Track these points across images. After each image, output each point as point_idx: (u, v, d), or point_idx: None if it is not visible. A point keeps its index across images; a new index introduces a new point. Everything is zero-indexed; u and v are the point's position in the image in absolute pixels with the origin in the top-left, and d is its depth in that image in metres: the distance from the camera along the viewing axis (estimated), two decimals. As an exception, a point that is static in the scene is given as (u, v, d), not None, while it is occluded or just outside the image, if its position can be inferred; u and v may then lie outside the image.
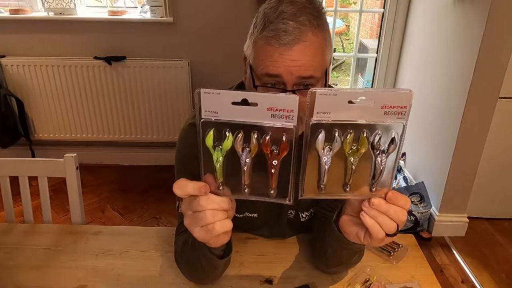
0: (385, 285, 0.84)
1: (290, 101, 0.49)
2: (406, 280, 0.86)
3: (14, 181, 1.12)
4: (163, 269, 0.90)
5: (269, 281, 0.86)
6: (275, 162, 0.53)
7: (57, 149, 2.75)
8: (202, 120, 0.52)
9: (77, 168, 1.12)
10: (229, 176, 0.56)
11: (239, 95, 0.50)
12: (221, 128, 0.52)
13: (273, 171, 0.54)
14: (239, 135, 0.52)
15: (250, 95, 0.49)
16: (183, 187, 0.57)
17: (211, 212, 0.57)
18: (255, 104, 0.49)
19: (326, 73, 0.74)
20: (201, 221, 0.57)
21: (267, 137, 0.52)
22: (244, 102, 0.50)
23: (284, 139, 0.51)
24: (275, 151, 0.53)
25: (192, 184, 0.57)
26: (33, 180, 1.14)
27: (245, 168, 0.54)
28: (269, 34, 0.69)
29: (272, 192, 0.56)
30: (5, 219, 1.17)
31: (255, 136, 0.52)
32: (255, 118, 0.50)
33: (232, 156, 0.54)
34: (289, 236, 0.98)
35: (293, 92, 0.70)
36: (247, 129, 0.52)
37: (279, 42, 0.68)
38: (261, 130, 0.52)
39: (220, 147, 0.53)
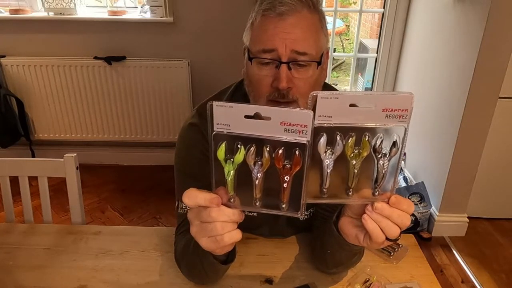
0: (385, 285, 0.84)
1: (304, 116, 0.48)
2: (406, 280, 0.86)
3: (14, 181, 1.12)
4: (163, 269, 0.90)
5: (269, 281, 0.86)
6: (287, 178, 0.53)
7: (57, 149, 2.75)
8: (214, 132, 0.51)
9: (77, 168, 1.12)
10: (240, 188, 0.55)
11: (252, 109, 0.49)
12: (233, 141, 0.52)
13: (285, 185, 0.53)
14: (251, 149, 0.51)
15: (263, 109, 0.49)
16: (193, 197, 0.56)
17: (221, 224, 0.56)
18: (268, 118, 0.49)
19: (321, 59, 0.75)
20: (209, 232, 0.57)
21: (280, 151, 0.51)
22: (257, 115, 0.50)
23: (297, 153, 0.51)
24: (287, 165, 0.52)
25: (203, 195, 0.55)
26: (33, 180, 1.13)
27: (257, 182, 0.53)
28: (266, 7, 0.71)
29: (284, 206, 0.55)
30: (5, 219, 1.17)
31: (268, 149, 0.51)
32: (268, 132, 0.50)
33: (244, 168, 0.53)
34: (288, 235, 0.99)
35: (288, 65, 0.71)
36: (260, 142, 0.51)
37: (275, 12, 0.70)
38: (274, 143, 0.51)
39: (232, 160, 0.52)
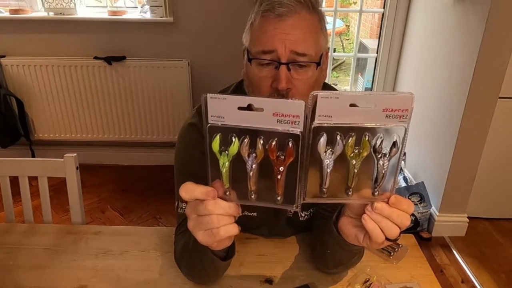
0: (385, 285, 0.84)
1: (296, 106, 0.49)
2: (406, 280, 0.86)
3: (14, 181, 1.12)
4: (163, 269, 0.90)
5: (269, 281, 0.86)
6: (281, 169, 0.53)
7: (57, 149, 2.75)
8: (209, 125, 0.51)
9: (77, 168, 1.12)
10: (236, 181, 0.55)
11: (245, 100, 0.49)
12: (227, 133, 0.52)
13: (279, 177, 0.53)
14: (245, 140, 0.52)
15: (256, 101, 0.49)
16: (190, 191, 0.57)
17: (217, 217, 0.56)
18: (261, 110, 0.49)
19: (321, 60, 0.75)
20: (206, 225, 0.57)
21: (273, 143, 0.51)
22: (250, 107, 0.50)
23: (290, 145, 0.51)
24: (281, 156, 0.52)
25: (200, 189, 0.56)
26: (33, 180, 1.13)
27: (251, 174, 0.53)
28: (265, 8, 0.71)
29: (278, 198, 0.55)
30: (5, 219, 1.17)
31: (261, 141, 0.52)
32: (261, 123, 0.50)
33: (240, 163, 0.53)
34: (288, 236, 0.99)
35: (287, 66, 0.71)
36: (253, 134, 0.51)
37: (274, 14, 0.70)
38: (267, 135, 0.52)
39: (226, 152, 0.53)
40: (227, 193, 0.56)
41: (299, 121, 0.49)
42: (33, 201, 1.16)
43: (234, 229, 0.58)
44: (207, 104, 0.50)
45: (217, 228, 0.57)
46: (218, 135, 0.52)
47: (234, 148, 0.52)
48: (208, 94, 0.50)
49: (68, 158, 1.10)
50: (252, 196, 0.56)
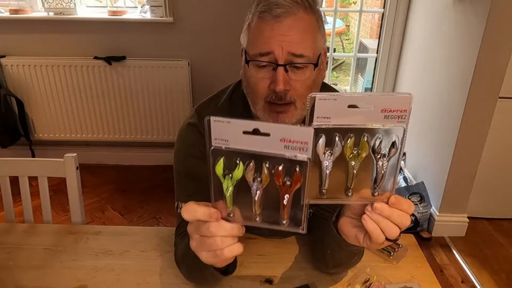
0: (385, 285, 0.84)
1: (305, 133, 0.48)
2: (406, 280, 0.86)
3: (14, 181, 1.12)
4: (163, 269, 0.90)
5: (269, 281, 0.86)
6: (287, 196, 0.52)
7: (57, 149, 2.75)
8: (212, 147, 0.50)
9: (77, 168, 1.12)
10: (241, 202, 0.54)
11: (251, 124, 0.48)
12: (231, 156, 0.50)
13: (285, 202, 0.52)
14: (250, 165, 0.50)
15: (262, 125, 0.48)
16: (192, 211, 0.55)
17: (220, 239, 0.55)
18: (267, 134, 0.48)
19: (318, 61, 0.74)
20: (209, 246, 0.56)
21: (280, 168, 0.50)
22: (256, 131, 0.48)
23: (297, 170, 0.50)
24: (287, 182, 0.51)
25: (202, 210, 0.55)
26: (33, 180, 1.13)
27: (256, 199, 0.52)
28: (262, 9, 0.71)
29: (284, 222, 0.54)
30: (5, 219, 1.17)
31: (267, 166, 0.50)
32: (267, 148, 0.49)
33: (243, 183, 0.52)
34: (288, 235, 0.98)
35: (285, 67, 0.71)
36: (259, 158, 0.50)
37: (271, 15, 0.70)
38: (273, 160, 0.50)
39: (231, 175, 0.51)
40: (231, 215, 0.55)
41: (307, 148, 0.48)
42: (33, 201, 1.15)
43: (238, 249, 0.57)
44: (210, 127, 0.49)
45: (221, 249, 0.56)
46: (222, 158, 0.50)
47: (238, 172, 0.51)
48: (211, 117, 0.48)
49: (68, 158, 1.10)
50: (257, 219, 0.55)
